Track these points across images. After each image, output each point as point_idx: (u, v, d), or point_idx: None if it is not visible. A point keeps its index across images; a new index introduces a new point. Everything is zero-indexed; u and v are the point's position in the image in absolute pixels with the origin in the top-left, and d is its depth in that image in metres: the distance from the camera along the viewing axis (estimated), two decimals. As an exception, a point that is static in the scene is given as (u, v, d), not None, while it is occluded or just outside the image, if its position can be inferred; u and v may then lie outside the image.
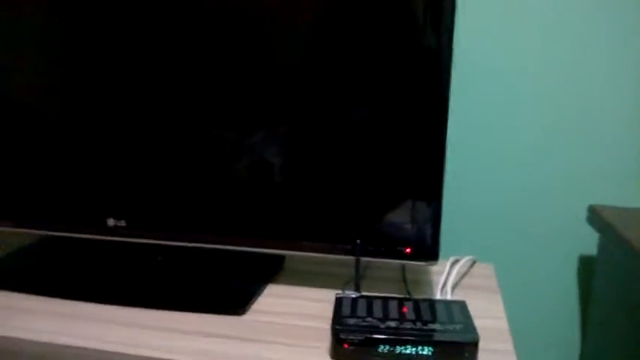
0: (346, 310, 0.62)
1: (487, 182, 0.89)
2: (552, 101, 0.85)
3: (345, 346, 0.57)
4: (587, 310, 0.91)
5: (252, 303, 0.70)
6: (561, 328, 0.92)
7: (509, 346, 0.62)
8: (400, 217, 0.68)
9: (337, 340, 0.58)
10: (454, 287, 0.76)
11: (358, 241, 0.69)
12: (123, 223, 0.73)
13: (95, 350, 0.59)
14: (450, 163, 0.89)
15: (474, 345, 0.57)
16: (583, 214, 0.88)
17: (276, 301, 0.71)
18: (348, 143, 0.67)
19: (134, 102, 0.71)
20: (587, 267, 0.90)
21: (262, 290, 0.74)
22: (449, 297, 0.71)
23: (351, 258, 0.69)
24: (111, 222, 0.73)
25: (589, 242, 0.89)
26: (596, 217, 0.82)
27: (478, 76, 0.86)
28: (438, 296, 0.71)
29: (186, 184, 0.72)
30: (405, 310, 0.62)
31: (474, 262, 0.85)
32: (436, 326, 0.59)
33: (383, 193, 0.68)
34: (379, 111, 0.66)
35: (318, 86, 0.67)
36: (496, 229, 0.91)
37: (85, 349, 0.59)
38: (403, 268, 0.81)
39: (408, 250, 0.69)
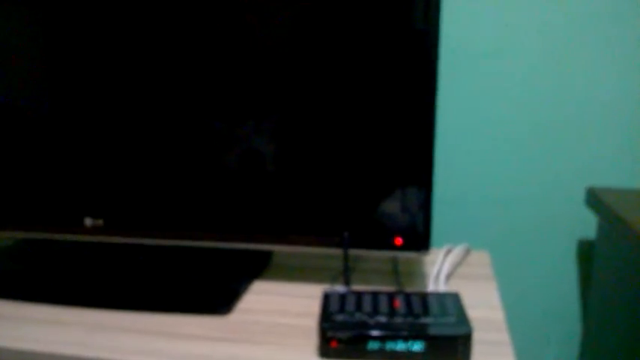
0: (334, 306, 0.59)
1: (481, 167, 0.87)
2: (548, 83, 0.82)
3: (333, 344, 0.55)
4: (587, 295, 0.88)
5: (238, 302, 0.67)
6: (561, 315, 0.90)
7: (504, 336, 0.59)
8: (390, 206, 0.66)
9: (325, 339, 0.55)
10: (448, 277, 0.73)
11: (346, 232, 0.66)
12: (100, 223, 0.70)
13: (73, 357, 0.56)
14: (441, 149, 0.87)
15: (467, 338, 0.54)
16: (581, 197, 0.85)
17: (263, 299, 0.68)
18: (335, 131, 0.64)
19: (113, 94, 0.67)
20: (586, 251, 0.87)
21: (248, 288, 0.71)
22: (442, 288, 0.68)
23: (341, 251, 0.67)
24: (88, 221, 0.71)
25: (588, 226, 0.86)
26: (595, 199, 0.79)
27: (470, 58, 0.83)
28: (431, 288, 0.69)
29: (166, 180, 0.69)
30: (395, 304, 0.59)
31: (468, 251, 0.82)
32: (428, 320, 0.56)
33: (371, 183, 0.65)
34: (367, 98, 0.63)
35: (304, 74, 0.64)
36: (491, 215, 0.88)
37: (64, 356, 0.57)
38: (395, 259, 0.78)
39: (398, 240, 0.66)
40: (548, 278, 0.89)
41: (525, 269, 0.89)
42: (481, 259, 0.80)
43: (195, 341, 0.59)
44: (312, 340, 0.58)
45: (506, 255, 0.89)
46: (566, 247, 0.88)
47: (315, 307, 0.65)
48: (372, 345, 0.54)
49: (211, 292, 0.69)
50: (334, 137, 0.65)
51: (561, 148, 0.84)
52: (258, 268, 0.76)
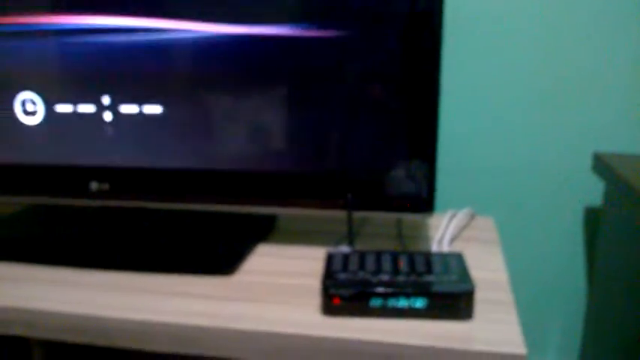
0: (337, 265, 0.59)
1: (486, 132, 0.86)
2: (554, 47, 0.81)
3: (336, 301, 0.55)
4: (592, 262, 0.88)
5: (242, 263, 0.68)
6: (566, 282, 0.90)
7: (508, 296, 0.59)
8: (394, 168, 0.66)
9: (327, 296, 0.55)
10: (452, 241, 0.73)
11: (349, 194, 0.66)
12: (106, 187, 0.71)
13: (83, 315, 0.57)
14: (445, 115, 0.86)
15: (469, 295, 0.54)
16: (587, 164, 0.84)
17: (268, 261, 0.69)
18: (340, 94, 0.64)
19: (117, 55, 0.67)
20: (592, 218, 0.87)
21: (253, 250, 0.72)
22: (446, 250, 0.68)
23: (346, 214, 0.67)
24: (94, 185, 0.71)
25: (594, 192, 0.86)
26: (601, 165, 0.79)
27: (476, 23, 0.82)
28: (434, 249, 0.69)
29: (173, 143, 0.69)
30: (399, 263, 0.60)
31: (472, 216, 0.82)
32: (431, 278, 0.56)
33: (375, 145, 0.65)
34: (372, 60, 0.63)
35: (308, 40, 0.63)
36: (495, 182, 0.88)
37: (74, 314, 0.57)
38: (399, 222, 0.78)
39: (402, 201, 0.66)
40: (554, 246, 0.89)
41: (530, 236, 0.89)
42: (485, 224, 0.80)
43: (201, 300, 0.59)
44: (316, 299, 0.59)
45: (510, 222, 0.88)
46: (572, 214, 0.87)
47: (319, 268, 0.66)
48: (375, 302, 0.55)
49: (216, 253, 0.69)
50: (339, 100, 0.64)
51: (567, 114, 0.83)
52: (263, 231, 0.77)
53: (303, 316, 0.56)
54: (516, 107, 0.84)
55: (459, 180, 0.88)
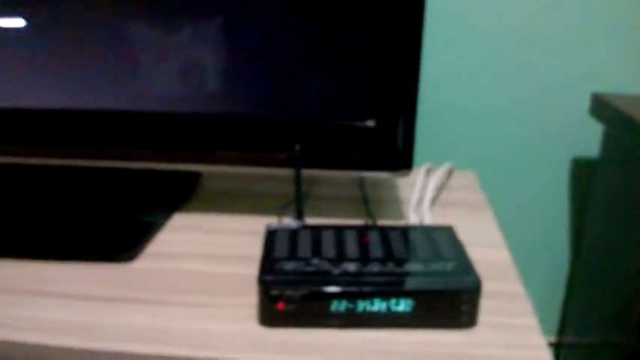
0: (282, 248, 0.41)
1: (467, 73, 0.70)
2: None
3: (281, 306, 0.37)
4: (583, 217, 0.74)
5: (148, 242, 0.48)
6: (554, 239, 0.77)
7: (518, 286, 0.43)
8: (358, 111, 0.47)
9: (268, 298, 0.37)
10: (431, 205, 0.56)
11: (298, 146, 0.47)
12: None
13: None
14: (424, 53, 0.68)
15: (474, 292, 0.37)
16: (581, 107, 0.69)
17: (185, 238, 0.50)
18: (286, 15, 0.44)
19: None
20: (585, 169, 0.72)
21: (164, 223, 0.52)
22: (427, 220, 0.51)
23: (290, 172, 0.48)
24: None
25: (588, 142, 0.71)
26: (601, 106, 0.66)
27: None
28: (412, 220, 0.52)
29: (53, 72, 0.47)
30: (368, 244, 0.42)
31: (451, 171, 0.65)
32: (416, 266, 0.39)
33: (333, 79, 0.46)
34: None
35: None
36: (476, 131, 0.71)
37: None
38: (362, 182, 0.60)
39: (368, 155, 0.48)
40: (542, 199, 0.75)
41: (516, 190, 0.74)
42: (468, 182, 0.64)
43: (80, 303, 0.40)
44: (251, 297, 0.41)
45: (495, 175, 0.72)
46: (563, 166, 0.73)
47: (257, 247, 0.47)
48: (337, 305, 0.37)
49: (110, 229, 0.49)
50: (285, 26, 0.45)
51: (560, 55, 0.68)
52: (180, 196, 0.57)
53: (230, 327, 0.38)
54: (500, 45, 0.68)
55: (435, 128, 0.71)
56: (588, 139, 0.72)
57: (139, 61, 0.47)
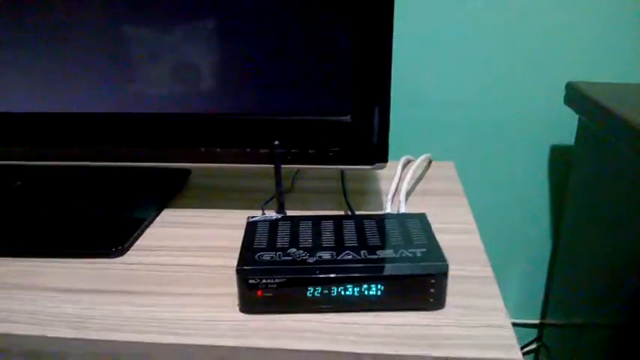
0: (261, 239, 0.44)
1: (443, 63, 0.71)
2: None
3: (259, 293, 0.40)
4: (562, 203, 0.77)
5: (137, 238, 0.51)
6: (532, 230, 0.79)
7: (487, 270, 0.45)
8: (335, 107, 0.49)
9: (246, 286, 0.40)
10: (408, 195, 0.58)
11: (276, 142, 0.50)
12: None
13: None
14: (395, 41, 0.70)
15: (441, 276, 0.40)
16: (557, 96, 0.71)
17: (171, 233, 0.52)
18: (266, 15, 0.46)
19: None
20: (563, 156, 0.74)
21: (153, 219, 0.54)
22: (403, 209, 0.54)
23: (271, 167, 0.50)
24: None
25: (564, 131, 0.73)
26: (576, 94, 0.68)
27: None
28: (389, 209, 0.54)
29: (61, 75, 0.50)
30: (344, 233, 0.44)
31: (429, 162, 0.68)
32: (388, 253, 0.41)
33: (311, 78, 0.49)
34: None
35: None
36: (453, 120, 0.73)
37: None
38: (342, 175, 0.63)
39: (345, 150, 0.50)
40: (519, 189, 0.76)
41: (493, 180, 0.76)
42: (446, 172, 0.66)
43: (68, 296, 0.42)
44: (233, 287, 0.43)
45: (472, 165, 0.75)
46: (540, 155, 0.75)
47: (240, 240, 0.49)
48: (313, 291, 0.40)
49: (102, 225, 0.52)
50: (265, 22, 0.47)
51: (536, 43, 0.69)
52: (169, 192, 0.59)
53: (212, 314, 0.40)
54: (476, 36, 0.69)
55: (414, 122, 0.73)
56: (565, 127, 0.73)
57: (125, 64, 0.49)
